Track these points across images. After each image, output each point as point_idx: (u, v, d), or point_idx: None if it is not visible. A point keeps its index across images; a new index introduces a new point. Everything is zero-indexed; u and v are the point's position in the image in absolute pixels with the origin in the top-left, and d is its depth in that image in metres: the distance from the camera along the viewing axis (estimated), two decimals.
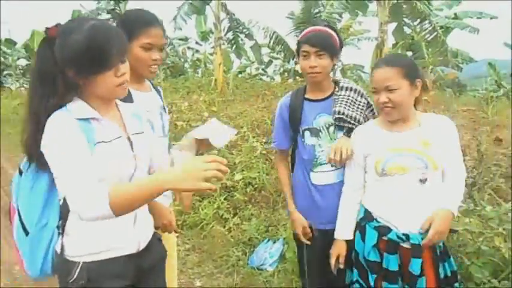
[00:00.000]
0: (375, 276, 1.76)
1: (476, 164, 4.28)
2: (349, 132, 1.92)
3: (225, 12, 12.04)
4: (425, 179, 1.70)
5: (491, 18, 11.94)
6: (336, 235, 1.89)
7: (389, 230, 1.73)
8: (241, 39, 13.54)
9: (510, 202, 3.22)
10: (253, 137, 5.48)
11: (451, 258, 1.79)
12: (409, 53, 9.82)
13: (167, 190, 1.20)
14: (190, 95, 10.71)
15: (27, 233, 1.36)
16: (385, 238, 1.74)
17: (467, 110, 7.09)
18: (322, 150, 1.96)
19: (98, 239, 1.35)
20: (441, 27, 9.94)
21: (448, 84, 14.08)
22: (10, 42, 22.60)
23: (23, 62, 24.07)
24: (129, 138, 1.42)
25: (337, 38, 1.94)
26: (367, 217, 1.81)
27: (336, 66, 2.00)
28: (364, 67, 15.65)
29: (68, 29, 1.27)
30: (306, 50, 1.88)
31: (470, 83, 15.75)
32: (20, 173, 1.41)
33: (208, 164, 1.15)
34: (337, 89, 1.98)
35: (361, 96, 1.98)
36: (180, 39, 18.35)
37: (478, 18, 11.97)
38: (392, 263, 1.72)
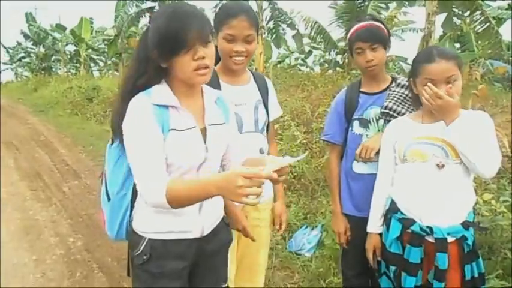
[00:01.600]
0: (394, 268, 1.76)
1: None
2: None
3: (268, 1, 12.01)
4: (443, 165, 1.67)
5: None
6: (369, 229, 1.91)
7: (413, 222, 1.71)
8: (283, 29, 13.46)
9: None
10: (295, 126, 5.52)
11: (480, 260, 1.73)
12: (457, 45, 9.46)
13: (214, 196, 1.24)
14: None
15: (109, 199, 1.47)
16: (409, 230, 1.72)
17: None
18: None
19: (163, 219, 1.40)
20: (493, 18, 9.49)
21: (498, 79, 13.45)
22: (60, 28, 23.59)
23: (70, 48, 25.13)
24: (204, 129, 1.43)
25: (385, 29, 1.96)
26: (392, 209, 1.81)
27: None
28: (408, 59, 15.20)
29: (156, 14, 1.37)
30: (360, 46, 1.91)
31: None
32: (112, 143, 1.49)
33: (245, 180, 1.11)
34: (393, 84, 2.00)
35: (408, 91, 1.98)
36: None
37: None
38: (414, 255, 1.70)
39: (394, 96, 1.94)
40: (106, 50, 21.03)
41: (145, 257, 1.39)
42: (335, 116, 2.09)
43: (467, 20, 9.44)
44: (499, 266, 2.53)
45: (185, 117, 1.38)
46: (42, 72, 25.29)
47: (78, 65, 25.56)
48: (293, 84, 10.02)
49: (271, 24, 12.78)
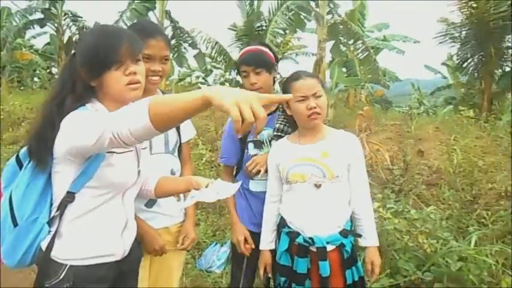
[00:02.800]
0: (283, 279, 1.88)
1: (403, 173, 4.78)
2: None
3: (169, 19, 12.03)
4: (320, 185, 1.82)
5: (414, 42, 13.21)
6: (261, 246, 2.00)
7: (298, 234, 1.84)
8: (184, 48, 13.54)
9: (431, 206, 3.67)
10: (202, 144, 5.61)
11: (359, 264, 1.89)
12: (344, 69, 10.50)
13: (205, 103, 1.05)
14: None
15: (15, 225, 1.37)
16: (295, 243, 1.84)
17: (394, 125, 7.77)
18: None
19: (89, 244, 1.38)
20: (372, 47, 10.77)
21: (377, 100, 15.23)
22: None
23: None
24: (137, 152, 1.45)
25: (271, 54, 2.07)
26: (282, 224, 1.93)
27: (275, 79, 2.16)
28: None
29: (83, 34, 1.37)
30: (244, 69, 2.02)
31: (395, 100, 17.16)
32: (18, 163, 1.42)
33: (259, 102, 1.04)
34: (282, 106, 2.06)
35: None
36: None
37: (403, 41, 13.18)
38: (301, 265, 1.82)
39: (284, 118, 2.04)
40: None
41: (67, 285, 1.35)
42: (229, 140, 2.15)
43: (351, 48, 10.56)
44: (387, 266, 2.88)
45: None
46: None
47: None
48: None
49: (173, 43, 12.77)
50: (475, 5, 9.02)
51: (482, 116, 7.63)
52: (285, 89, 1.89)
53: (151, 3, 11.75)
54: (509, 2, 8.75)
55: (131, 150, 1.42)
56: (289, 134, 2.00)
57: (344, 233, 1.85)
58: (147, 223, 1.78)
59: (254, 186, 2.10)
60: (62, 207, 1.36)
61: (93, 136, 1.17)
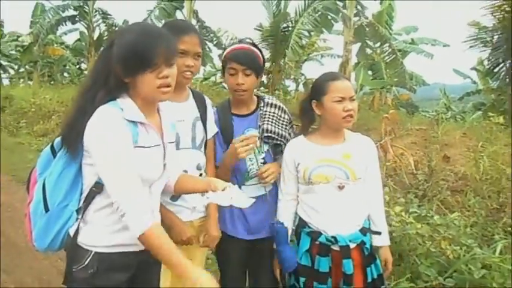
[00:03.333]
0: (304, 279, 1.87)
1: (427, 178, 4.71)
2: (275, 147, 2.03)
3: (196, 19, 12.19)
4: (343, 186, 1.84)
5: (444, 45, 12.93)
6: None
7: (320, 234, 1.85)
8: (208, 47, 13.69)
9: (455, 213, 3.61)
10: None
11: (378, 262, 1.90)
12: (370, 72, 10.40)
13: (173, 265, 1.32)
14: None
15: (47, 210, 1.42)
16: (317, 242, 1.85)
17: (419, 129, 7.65)
18: (252, 164, 2.00)
19: (113, 233, 1.41)
20: (399, 50, 10.62)
21: (402, 104, 15.00)
22: None
23: None
24: (164, 147, 1.49)
25: (261, 57, 1.98)
26: (300, 224, 1.93)
27: (260, 81, 2.06)
28: None
29: (123, 30, 1.41)
30: (234, 67, 1.90)
31: (421, 105, 16.84)
32: (53, 152, 1.47)
33: None
34: (262, 104, 2.04)
35: (284, 113, 2.08)
36: None
37: (432, 45, 12.94)
38: (323, 264, 1.83)
39: (268, 118, 2.00)
40: (19, 56, 19.59)
41: (91, 271, 1.39)
42: (217, 146, 2.03)
43: (378, 51, 10.45)
44: (408, 271, 2.86)
45: (152, 134, 1.43)
46: None
47: None
48: (219, 100, 10.16)
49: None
50: (508, 9, 8.77)
51: None
52: (320, 87, 1.87)
53: (179, 2, 11.93)
54: None
55: (159, 145, 1.46)
56: (279, 134, 1.99)
57: (364, 231, 1.88)
58: (175, 214, 1.83)
59: (248, 191, 1.95)
60: (90, 197, 1.41)
61: (106, 177, 1.33)
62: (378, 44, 9.58)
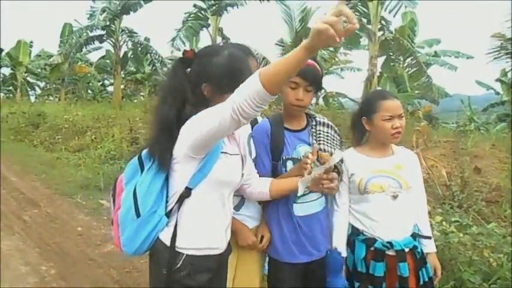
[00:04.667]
0: (358, 284, 1.99)
1: (461, 189, 4.78)
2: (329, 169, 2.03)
3: (221, 36, 12.52)
4: (397, 196, 1.96)
5: (467, 57, 12.96)
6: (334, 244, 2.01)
7: (375, 240, 1.95)
8: None
9: (492, 223, 3.67)
10: None
11: (428, 265, 2.00)
12: (393, 85, 10.49)
13: (306, 47, 1.19)
14: None
15: (138, 215, 1.51)
16: (372, 248, 1.95)
17: (447, 141, 7.69)
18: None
19: (202, 236, 1.53)
20: (423, 62, 10.69)
21: (424, 116, 14.94)
22: None
23: (5, 71, 23.85)
24: (242, 158, 1.63)
25: (322, 75, 1.97)
26: (354, 232, 2.02)
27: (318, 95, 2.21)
28: (347, 96, 16.35)
29: (208, 52, 1.55)
30: (296, 81, 1.87)
31: (441, 116, 16.73)
32: (140, 163, 1.59)
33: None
34: (314, 123, 2.04)
35: (335, 132, 2.09)
36: (170, 59, 18.80)
37: (455, 57, 12.98)
38: (378, 269, 1.93)
39: (325, 138, 2.01)
40: (47, 74, 20.34)
41: (184, 273, 1.49)
42: (262, 148, 1.99)
43: (401, 64, 10.55)
44: (451, 279, 2.95)
45: (233, 145, 1.59)
46: None
47: (11, 88, 24.28)
48: None
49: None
50: None
51: None
52: (371, 105, 1.99)
53: (205, 20, 12.29)
54: None
55: (238, 154, 1.59)
56: (332, 153, 1.97)
57: (414, 236, 2.00)
58: (240, 221, 1.97)
59: (301, 210, 1.97)
60: (180, 201, 1.50)
61: (216, 117, 1.33)
62: (402, 57, 9.66)
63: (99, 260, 3.91)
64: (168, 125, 1.48)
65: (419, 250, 1.98)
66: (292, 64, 1.21)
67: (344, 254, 2.00)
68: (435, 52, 13.10)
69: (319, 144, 1.97)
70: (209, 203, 1.54)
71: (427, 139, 6.90)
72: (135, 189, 1.54)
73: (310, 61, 1.93)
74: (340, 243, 2.01)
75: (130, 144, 7.85)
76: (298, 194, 1.83)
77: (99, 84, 24.18)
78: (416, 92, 10.79)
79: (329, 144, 1.99)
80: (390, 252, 1.94)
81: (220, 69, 1.49)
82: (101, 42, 15.61)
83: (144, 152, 1.61)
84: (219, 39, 12.44)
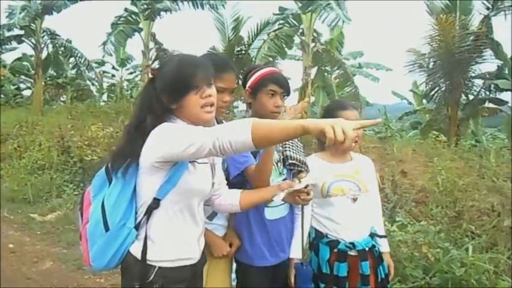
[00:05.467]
0: (323, 285, 2.09)
1: (394, 191, 5.23)
2: (297, 173, 2.05)
3: (154, 41, 12.28)
4: (356, 198, 2.12)
5: (387, 70, 14.12)
6: (293, 255, 2.07)
7: (338, 242, 2.08)
8: None
9: (422, 221, 4.09)
10: None
11: (385, 263, 2.17)
12: (325, 93, 11.08)
13: (304, 128, 1.25)
14: (111, 119, 10.53)
15: (107, 229, 1.48)
16: (335, 250, 2.07)
17: (374, 147, 8.33)
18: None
19: (174, 248, 1.51)
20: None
21: None
22: None
23: None
24: (212, 166, 1.62)
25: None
26: (318, 236, 2.13)
27: None
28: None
29: (162, 64, 1.55)
30: (274, 89, 1.95)
31: None
32: (108, 174, 1.55)
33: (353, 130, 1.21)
34: None
35: (298, 140, 2.14)
36: (96, 63, 17.91)
37: (376, 69, 14.06)
38: (342, 269, 2.05)
39: (290, 145, 2.08)
40: None
41: (156, 285, 1.46)
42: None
43: (331, 74, 11.19)
44: (395, 275, 3.24)
45: None
46: None
47: None
48: None
49: (155, 65, 13.00)
50: (442, 39, 9.86)
51: (452, 141, 8.31)
52: (330, 116, 2.02)
53: (136, 24, 11.98)
54: (471, 38, 9.68)
55: (207, 163, 1.57)
56: (301, 161, 2.07)
57: (372, 236, 2.17)
58: (213, 232, 2.00)
59: (270, 214, 2.04)
60: (148, 213, 1.48)
61: (195, 141, 1.32)
62: (331, 68, 10.23)
63: (37, 278, 3.69)
64: (130, 139, 1.49)
65: (377, 249, 2.16)
66: (286, 136, 1.29)
67: (299, 256, 2.07)
68: (359, 64, 14.09)
69: (285, 150, 2.05)
70: (179, 213, 1.53)
71: (362, 145, 7.40)
72: (103, 202, 1.51)
73: (274, 69, 2.03)
74: (297, 251, 2.08)
75: (61, 153, 7.38)
76: (273, 204, 1.94)
77: (14, 88, 22.26)
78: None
79: (293, 151, 2.07)
80: (352, 253, 2.08)
81: (170, 76, 1.48)
82: (19, 43, 14.43)
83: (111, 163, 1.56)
84: (151, 45, 12.22)
